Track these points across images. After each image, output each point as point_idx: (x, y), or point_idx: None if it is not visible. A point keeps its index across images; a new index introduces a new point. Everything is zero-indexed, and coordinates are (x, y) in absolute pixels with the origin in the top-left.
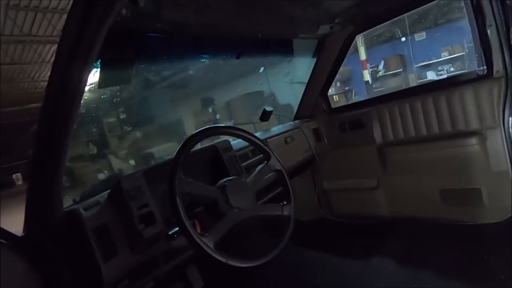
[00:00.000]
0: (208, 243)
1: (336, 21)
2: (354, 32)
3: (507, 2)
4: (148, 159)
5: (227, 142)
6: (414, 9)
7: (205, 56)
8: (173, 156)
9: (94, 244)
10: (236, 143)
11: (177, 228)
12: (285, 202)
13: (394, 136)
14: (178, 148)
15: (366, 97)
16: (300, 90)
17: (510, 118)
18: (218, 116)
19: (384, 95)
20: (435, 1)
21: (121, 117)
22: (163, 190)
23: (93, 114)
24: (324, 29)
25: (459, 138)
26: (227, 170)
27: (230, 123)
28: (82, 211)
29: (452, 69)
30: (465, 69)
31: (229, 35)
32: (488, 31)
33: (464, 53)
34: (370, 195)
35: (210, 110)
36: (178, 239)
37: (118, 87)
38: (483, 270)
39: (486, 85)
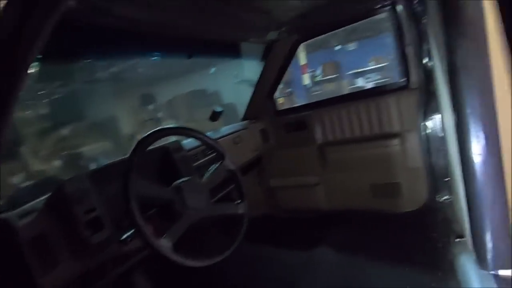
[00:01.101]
0: (166, 246)
1: (283, 28)
2: (299, 40)
3: (422, 23)
4: (76, 159)
5: (178, 142)
6: (351, 23)
7: (156, 54)
8: (106, 157)
9: (29, 257)
10: (187, 143)
11: (130, 232)
12: (239, 201)
13: (333, 137)
14: (133, 148)
15: (305, 99)
16: (247, 91)
17: (423, 123)
18: (160, 115)
19: (325, 99)
20: (368, 19)
21: (43, 111)
22: (112, 192)
23: None
24: (272, 35)
25: (385, 139)
26: (179, 170)
27: (173, 122)
28: (15, 220)
29: (378, 76)
30: (388, 77)
31: (181, 34)
32: (407, 49)
33: (387, 63)
34: (312, 191)
35: (151, 107)
36: (130, 243)
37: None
38: (405, 250)
39: (406, 95)
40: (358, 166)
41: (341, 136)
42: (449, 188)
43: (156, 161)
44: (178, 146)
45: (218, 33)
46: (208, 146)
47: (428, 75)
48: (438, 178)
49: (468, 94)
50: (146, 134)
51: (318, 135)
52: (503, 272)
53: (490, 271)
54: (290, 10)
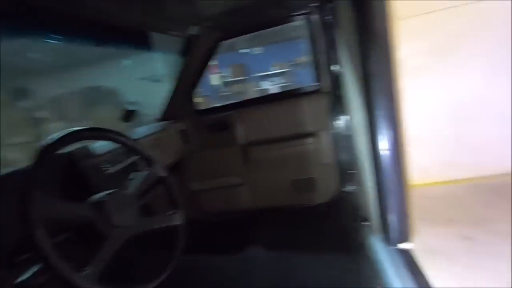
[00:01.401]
0: (90, 282)
1: (205, 24)
2: (220, 37)
3: (332, 32)
4: None
5: (86, 148)
6: (270, 27)
7: (57, 36)
8: None
9: None
10: (97, 148)
11: (34, 270)
12: (172, 212)
13: (255, 137)
14: (35, 157)
15: (216, 100)
16: (161, 89)
17: (333, 123)
18: (42, 114)
19: (246, 100)
20: (284, 24)
21: None
22: (4, 216)
23: None
24: (193, 30)
25: (302, 138)
26: (91, 181)
27: (62, 124)
28: None
29: (281, 80)
30: (289, 82)
31: (90, 17)
32: (319, 56)
33: (289, 69)
34: (236, 191)
35: (27, 104)
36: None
37: None
38: (324, 238)
39: (318, 98)
40: (279, 165)
41: (263, 136)
42: (354, 179)
43: (57, 172)
44: (86, 152)
45: (135, 20)
46: (132, 150)
47: (336, 80)
48: (344, 172)
49: (378, 98)
50: (54, 139)
51: (241, 136)
52: (404, 246)
53: (394, 246)
54: (215, 5)
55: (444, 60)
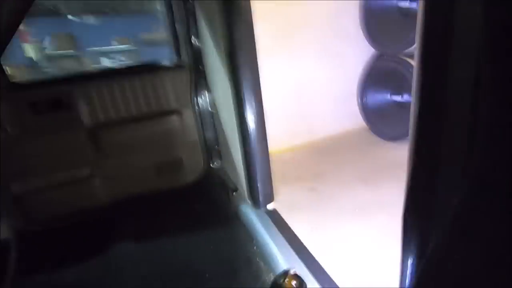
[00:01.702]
0: None
1: None
2: None
3: (189, 2)
4: None
5: None
6: None
7: None
8: None
9: None
10: None
11: None
12: None
13: (105, 117)
14: None
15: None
16: None
17: (196, 99)
18: None
19: (89, 72)
20: None
21: None
22: None
23: None
24: None
25: (164, 116)
26: None
27: None
28: None
29: (122, 58)
30: (133, 60)
31: None
32: (178, 30)
33: (130, 45)
34: (86, 185)
35: None
36: None
37: None
38: (197, 216)
39: (179, 72)
40: (138, 147)
41: (116, 116)
42: (219, 155)
43: None
44: None
45: None
46: None
47: (196, 54)
48: (210, 148)
49: (244, 72)
50: None
51: (86, 116)
52: (270, 206)
53: (262, 208)
54: None
55: (286, 44)
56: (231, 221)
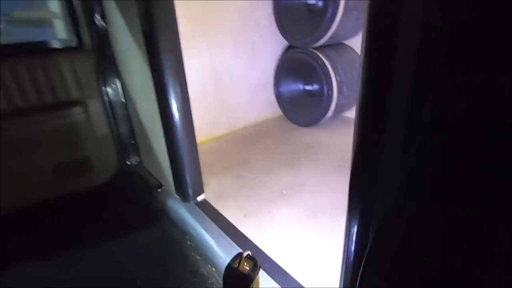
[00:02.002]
0: None
1: None
2: None
3: None
4: None
5: None
6: None
7: None
8: None
9: None
10: None
11: None
12: None
13: None
14: None
15: None
16: None
17: (104, 88)
18: None
19: None
20: None
21: None
22: None
23: None
24: None
25: (63, 109)
26: None
27: None
28: None
29: None
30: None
31: None
32: (76, 7)
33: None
34: None
35: None
36: None
37: None
38: (116, 221)
39: (79, 56)
40: (34, 147)
41: None
42: (137, 150)
43: None
44: None
45: None
46: None
47: (102, 36)
48: (125, 143)
49: (165, 56)
50: None
51: None
52: (199, 198)
53: (192, 201)
54: None
55: (204, 32)
56: (158, 219)
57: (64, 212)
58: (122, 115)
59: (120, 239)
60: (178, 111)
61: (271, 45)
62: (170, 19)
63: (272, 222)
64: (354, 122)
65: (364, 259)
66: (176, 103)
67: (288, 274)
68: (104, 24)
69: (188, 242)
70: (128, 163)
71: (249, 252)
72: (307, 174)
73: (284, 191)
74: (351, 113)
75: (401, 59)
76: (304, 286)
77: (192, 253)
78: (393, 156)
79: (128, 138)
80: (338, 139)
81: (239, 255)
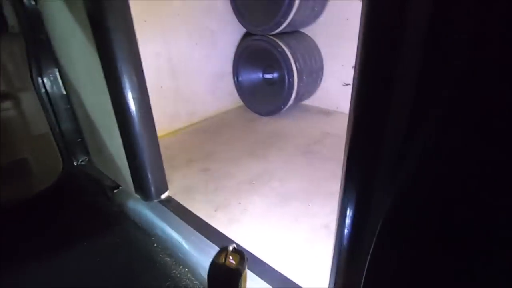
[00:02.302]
0: None
1: None
2: None
3: None
4: None
5: None
6: None
7: None
8: None
9: None
10: None
11: None
12: None
13: None
14: None
15: None
16: None
17: (41, 79)
18: None
19: None
20: None
21: None
22: None
23: None
24: None
25: None
26: None
27: None
28: None
29: None
30: None
31: None
32: None
33: None
34: None
35: None
36: None
37: None
38: (68, 229)
39: (5, 42)
40: None
41: None
42: (85, 148)
43: None
44: None
45: None
46: None
47: (33, 18)
48: (71, 141)
49: (117, 39)
50: None
51: None
52: (164, 195)
53: (155, 200)
54: None
55: (156, 19)
56: (117, 223)
57: (2, 225)
58: (64, 110)
59: (73, 250)
60: (135, 102)
61: (228, 32)
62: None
63: (244, 213)
64: (349, 115)
65: (369, 258)
66: (133, 93)
67: (266, 264)
68: (35, 3)
69: (155, 244)
70: (75, 163)
71: (235, 245)
72: (273, 163)
73: (253, 181)
74: (311, 101)
75: (404, 53)
76: (283, 274)
77: (161, 255)
78: (392, 151)
79: (73, 135)
80: (300, 127)
81: (224, 249)
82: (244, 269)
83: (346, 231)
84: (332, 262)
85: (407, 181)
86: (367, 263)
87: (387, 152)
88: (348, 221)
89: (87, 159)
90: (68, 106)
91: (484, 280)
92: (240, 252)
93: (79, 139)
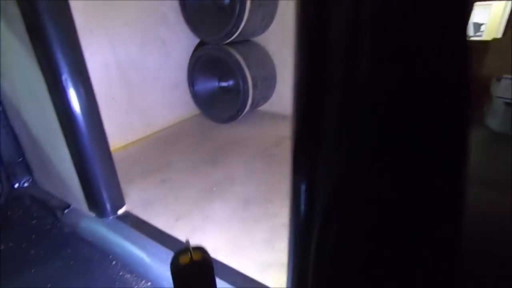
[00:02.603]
0: None
1: None
2: None
3: None
4: None
5: None
6: None
7: None
8: None
9: None
10: None
11: None
12: None
13: None
14: None
15: None
16: None
17: None
18: None
19: None
20: None
21: None
22: None
23: None
24: None
25: None
26: None
27: None
28: None
29: None
30: None
31: None
32: None
33: None
34: None
35: None
36: None
37: None
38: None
39: None
40: None
41: None
42: (28, 168)
43: None
44: None
45: None
46: None
47: None
48: (10, 162)
49: (59, 47)
50: None
51: None
52: (121, 211)
53: (112, 216)
54: None
55: (105, 25)
56: (69, 245)
57: None
58: (1, 127)
59: (20, 279)
60: (83, 115)
61: (181, 41)
62: (62, 5)
63: (207, 220)
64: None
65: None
66: (80, 105)
67: (231, 268)
68: None
69: (114, 262)
70: (17, 185)
71: (188, 239)
72: (233, 168)
73: (214, 188)
74: (267, 107)
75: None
76: (248, 276)
77: (121, 273)
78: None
79: (13, 154)
80: (257, 132)
81: (186, 247)
82: (211, 261)
83: (296, 224)
84: (289, 255)
85: (342, 165)
86: (314, 251)
87: (326, 143)
88: (299, 214)
89: (30, 180)
90: (6, 123)
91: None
92: (199, 247)
93: (20, 159)
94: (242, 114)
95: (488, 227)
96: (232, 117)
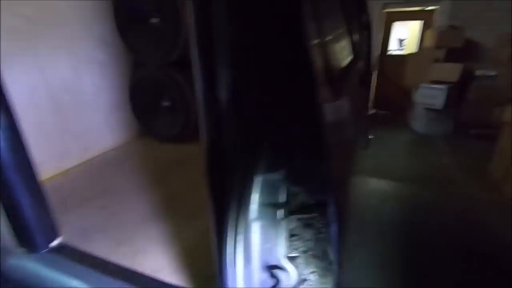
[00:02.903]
0: None
1: None
2: None
3: None
4: None
5: None
6: None
7: None
8: None
9: None
10: None
11: None
12: None
13: None
14: None
15: None
16: None
17: None
18: None
19: None
20: None
21: None
22: None
23: None
24: None
25: None
26: None
27: None
28: None
29: None
30: None
31: None
32: None
33: None
34: None
35: None
36: None
37: None
38: None
39: None
40: None
41: None
42: None
43: None
44: None
45: None
46: None
47: None
48: None
49: None
50: None
51: None
52: (54, 243)
53: (45, 250)
54: None
55: (33, 48)
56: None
57: None
58: None
59: None
60: (5, 146)
61: (120, 61)
62: None
63: (151, 240)
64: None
65: None
66: (1, 135)
67: (174, 285)
68: None
69: None
70: None
71: None
72: (176, 186)
73: (157, 207)
74: None
75: None
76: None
77: None
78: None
79: None
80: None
81: None
82: None
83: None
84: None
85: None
86: None
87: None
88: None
89: None
90: None
91: None
92: None
93: None
94: (185, 132)
95: (415, 218)
96: (176, 135)
